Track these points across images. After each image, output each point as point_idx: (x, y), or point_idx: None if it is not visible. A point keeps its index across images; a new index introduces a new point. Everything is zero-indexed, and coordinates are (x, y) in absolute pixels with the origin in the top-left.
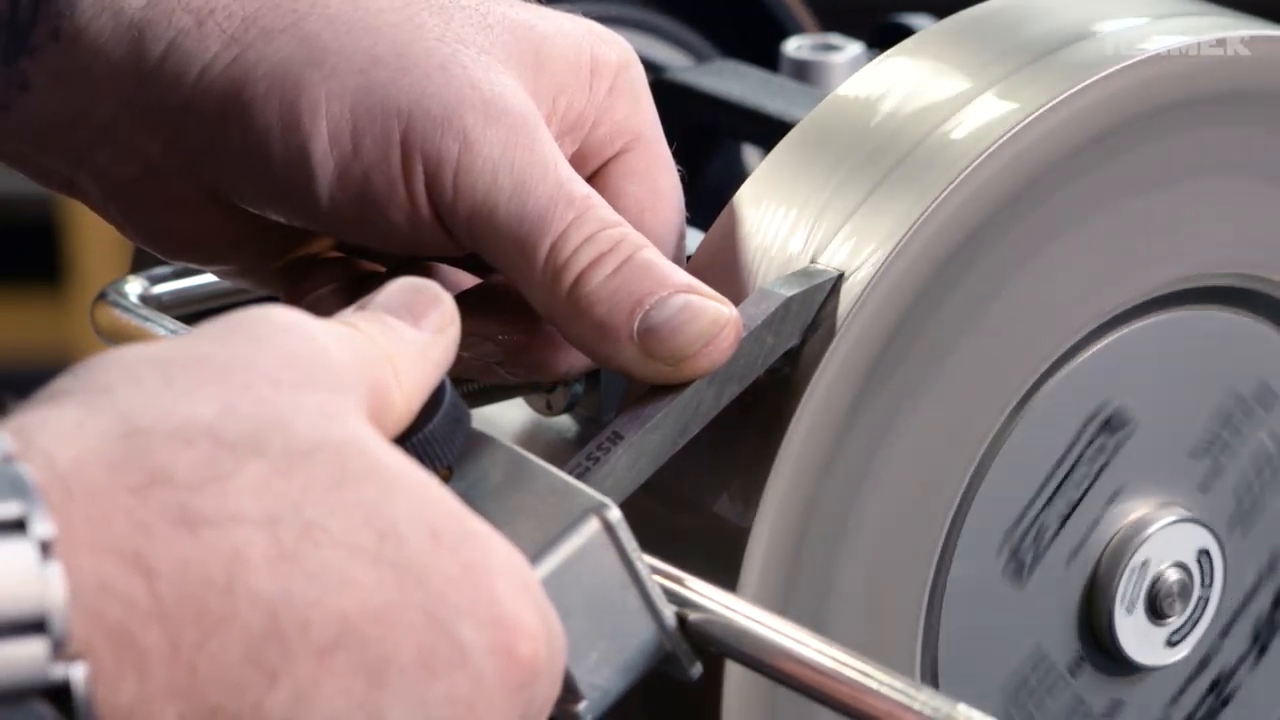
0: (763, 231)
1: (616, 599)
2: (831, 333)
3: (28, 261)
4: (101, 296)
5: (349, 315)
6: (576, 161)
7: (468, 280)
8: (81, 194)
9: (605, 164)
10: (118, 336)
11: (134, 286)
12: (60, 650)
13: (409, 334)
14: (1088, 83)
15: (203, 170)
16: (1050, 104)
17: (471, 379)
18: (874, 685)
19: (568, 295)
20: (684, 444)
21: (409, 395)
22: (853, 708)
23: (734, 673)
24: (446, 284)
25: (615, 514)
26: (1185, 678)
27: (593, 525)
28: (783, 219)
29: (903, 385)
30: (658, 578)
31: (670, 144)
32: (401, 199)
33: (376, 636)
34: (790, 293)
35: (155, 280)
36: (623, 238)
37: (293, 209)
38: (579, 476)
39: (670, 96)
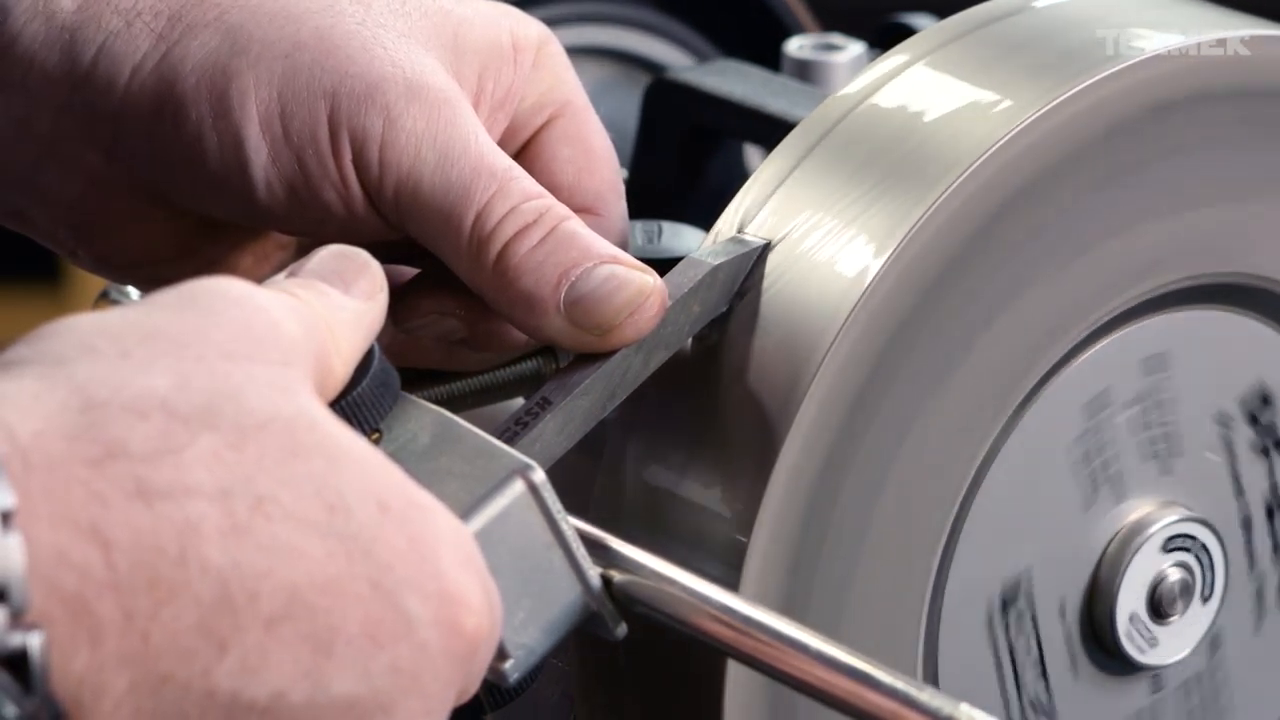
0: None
1: (542, 559)
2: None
3: (28, 261)
4: (103, 296)
5: (283, 282)
6: (509, 135)
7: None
8: (30, 223)
9: (537, 132)
10: None
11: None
12: (18, 619)
13: (342, 301)
14: (1088, 83)
15: (142, 174)
16: (1051, 104)
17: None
18: (876, 681)
19: (494, 267)
20: (613, 409)
21: (345, 361)
22: (852, 704)
23: (735, 672)
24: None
25: (539, 475)
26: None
27: (517, 486)
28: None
29: (904, 384)
30: (584, 539)
31: (671, 143)
32: (333, 178)
33: (324, 608)
34: (717, 261)
35: None
36: (547, 209)
37: (231, 201)
38: (508, 441)
39: (672, 96)
